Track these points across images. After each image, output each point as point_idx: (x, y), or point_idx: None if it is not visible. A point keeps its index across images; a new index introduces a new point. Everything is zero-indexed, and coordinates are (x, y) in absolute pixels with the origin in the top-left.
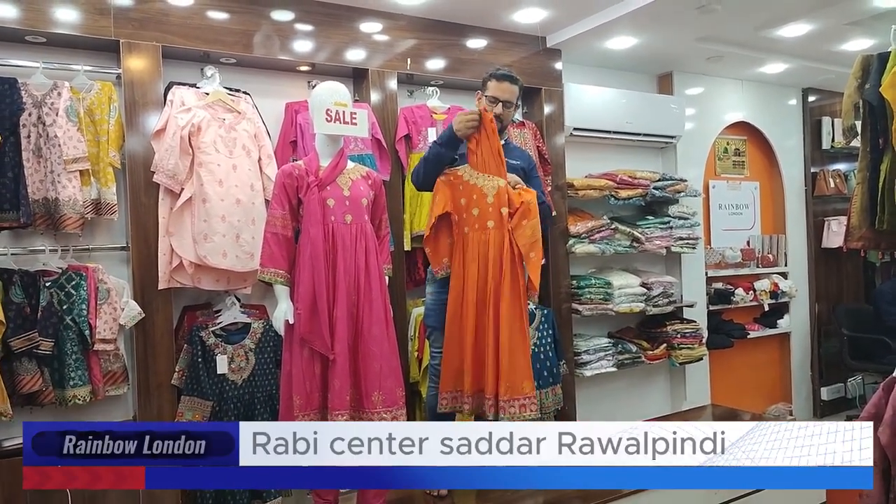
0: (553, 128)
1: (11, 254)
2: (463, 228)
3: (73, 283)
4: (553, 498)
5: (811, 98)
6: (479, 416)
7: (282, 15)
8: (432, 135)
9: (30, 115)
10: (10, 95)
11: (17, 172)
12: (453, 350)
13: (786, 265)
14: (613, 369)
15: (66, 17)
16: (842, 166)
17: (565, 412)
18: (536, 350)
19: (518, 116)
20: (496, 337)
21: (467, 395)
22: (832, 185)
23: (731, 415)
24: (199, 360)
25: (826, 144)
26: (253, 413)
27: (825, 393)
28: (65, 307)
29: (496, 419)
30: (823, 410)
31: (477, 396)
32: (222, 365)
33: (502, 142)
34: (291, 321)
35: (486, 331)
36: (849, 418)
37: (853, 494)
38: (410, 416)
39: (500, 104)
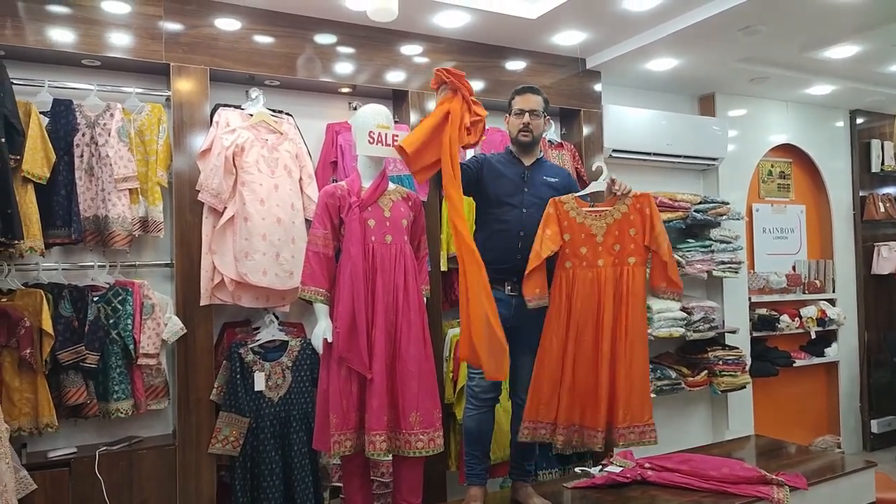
0: (592, 149)
1: (62, 269)
2: (564, 263)
3: (120, 298)
4: None
5: (859, 120)
6: (567, 449)
7: (324, 38)
8: (470, 155)
9: (83, 135)
10: (66, 116)
11: (70, 190)
12: (547, 382)
13: (834, 291)
14: (652, 396)
15: (120, 42)
16: (892, 190)
17: None
18: None
19: (556, 137)
20: (612, 369)
21: (561, 428)
22: (882, 209)
23: (776, 446)
24: (238, 376)
25: (875, 167)
26: (288, 431)
27: (875, 426)
28: (111, 321)
29: (607, 449)
30: (874, 444)
31: (572, 430)
32: (259, 382)
33: (537, 158)
34: (330, 340)
35: (600, 364)
36: None
37: None
38: (445, 438)
39: (527, 113)
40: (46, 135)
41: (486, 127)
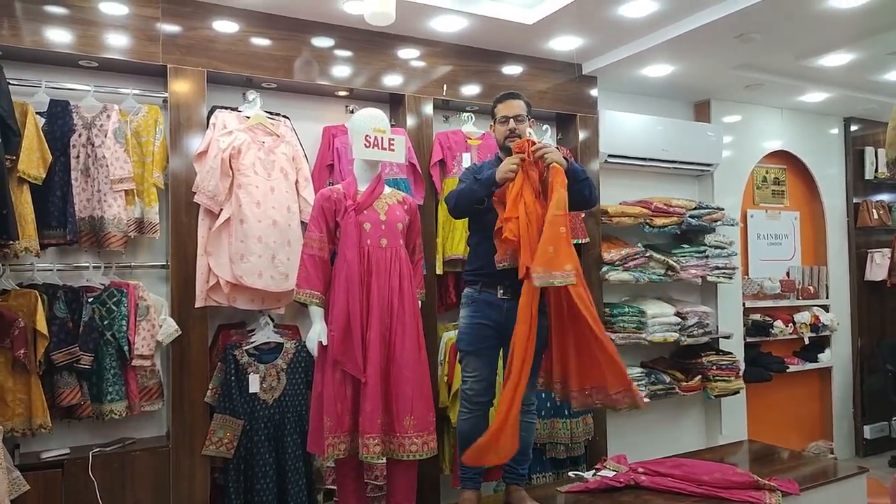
0: (588, 154)
1: (57, 270)
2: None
3: (115, 299)
4: None
5: (853, 127)
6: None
7: (322, 41)
8: (467, 160)
9: (80, 136)
10: (63, 117)
11: (66, 191)
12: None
13: (827, 297)
14: (646, 400)
15: (118, 43)
16: (885, 197)
17: (596, 443)
18: None
19: (552, 142)
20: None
21: (574, 391)
22: (875, 216)
23: (769, 451)
24: (232, 378)
25: (869, 175)
26: (283, 433)
27: (868, 431)
28: (105, 323)
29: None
30: (866, 450)
31: (584, 393)
32: (254, 384)
33: None
34: (325, 342)
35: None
36: (894, 459)
37: None
38: (439, 441)
39: (511, 119)
40: (43, 135)
41: (482, 132)
